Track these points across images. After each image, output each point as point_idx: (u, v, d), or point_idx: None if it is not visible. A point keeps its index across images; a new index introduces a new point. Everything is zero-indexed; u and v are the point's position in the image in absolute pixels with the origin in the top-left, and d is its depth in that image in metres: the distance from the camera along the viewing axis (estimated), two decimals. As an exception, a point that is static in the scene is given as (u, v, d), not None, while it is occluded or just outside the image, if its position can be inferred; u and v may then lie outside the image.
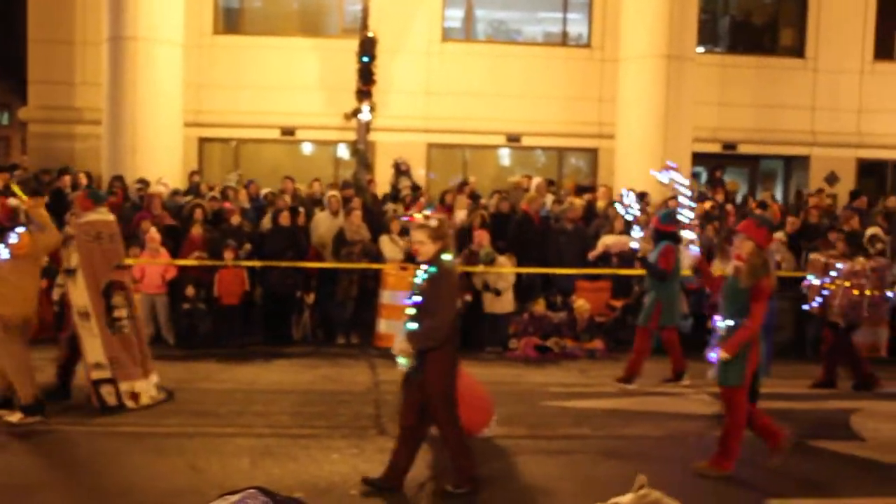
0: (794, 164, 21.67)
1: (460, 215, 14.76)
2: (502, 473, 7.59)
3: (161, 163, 17.17)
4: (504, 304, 13.23)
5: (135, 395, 9.42)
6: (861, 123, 21.03)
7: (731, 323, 7.49)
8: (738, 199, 18.90)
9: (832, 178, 20.63)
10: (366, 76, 17.44)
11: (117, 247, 9.86)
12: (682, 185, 9.82)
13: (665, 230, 10.94)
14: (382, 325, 12.94)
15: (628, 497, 1.99)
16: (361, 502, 6.83)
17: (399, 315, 12.81)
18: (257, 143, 20.11)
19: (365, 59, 17.43)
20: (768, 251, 7.71)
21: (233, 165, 19.80)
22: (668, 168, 9.95)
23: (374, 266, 13.26)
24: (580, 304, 13.36)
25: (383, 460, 7.79)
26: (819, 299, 11.21)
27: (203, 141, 19.73)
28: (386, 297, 12.95)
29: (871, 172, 21.60)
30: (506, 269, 13.25)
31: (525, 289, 13.82)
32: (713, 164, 19.66)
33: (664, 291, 11.00)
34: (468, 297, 13.08)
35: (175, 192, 15.94)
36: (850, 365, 11.33)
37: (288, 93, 19.17)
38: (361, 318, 13.47)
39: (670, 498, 1.95)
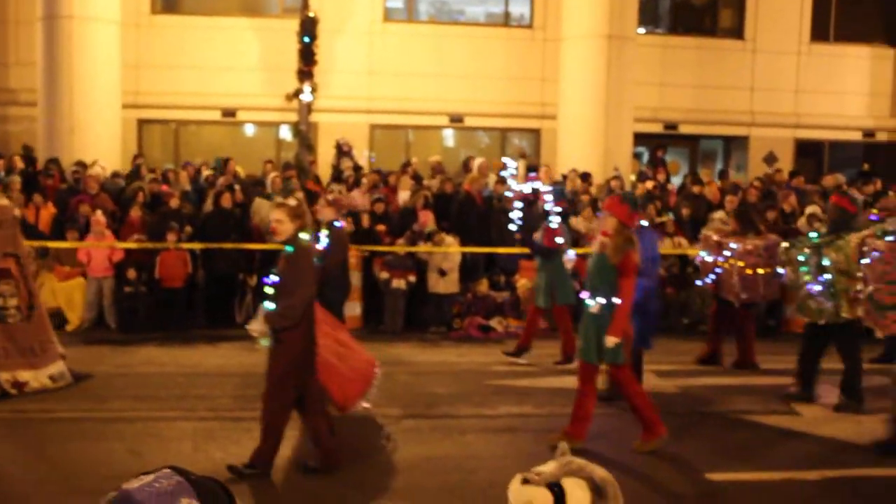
0: (734, 144, 21.96)
1: (403, 196, 14.75)
2: (447, 452, 7.62)
3: (99, 145, 16.88)
4: (448, 284, 13.26)
5: (18, 384, 9.20)
6: (798, 104, 21.36)
7: (602, 300, 7.55)
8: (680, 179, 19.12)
9: (770, 158, 20.93)
10: (307, 57, 17.26)
11: (8, 233, 9.61)
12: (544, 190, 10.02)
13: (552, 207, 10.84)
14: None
15: (551, 465, 2.00)
16: (305, 483, 6.82)
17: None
18: (198, 124, 19.86)
19: (306, 39, 17.26)
20: (633, 228, 7.75)
21: (172, 147, 19.55)
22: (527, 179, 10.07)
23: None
24: (523, 283, 13.43)
25: (326, 441, 7.81)
26: (712, 276, 11.06)
27: (142, 122, 19.43)
28: (329, 278, 12.89)
29: (808, 152, 21.97)
30: (451, 249, 13.26)
31: (468, 269, 13.86)
32: (654, 144, 19.84)
33: (554, 269, 10.95)
34: (412, 278, 13.09)
35: (115, 175, 15.71)
36: (739, 342, 11.22)
37: (228, 74, 18.94)
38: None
39: (594, 465, 1.97)
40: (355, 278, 12.83)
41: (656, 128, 20.49)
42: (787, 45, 21.17)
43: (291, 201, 6.99)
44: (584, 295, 7.78)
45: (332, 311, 8.84)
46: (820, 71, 21.26)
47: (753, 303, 11.13)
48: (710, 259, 11.07)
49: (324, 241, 9.60)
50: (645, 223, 9.40)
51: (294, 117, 17.80)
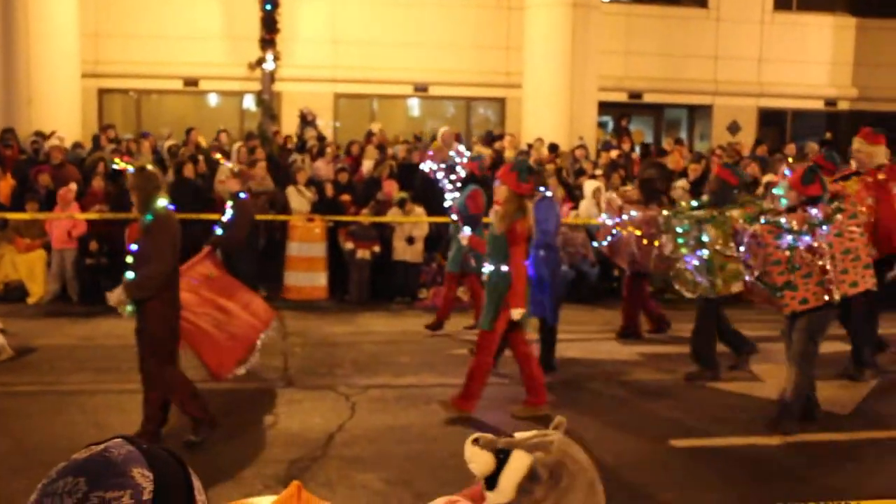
0: (698, 113, 22.04)
1: (367, 165, 14.67)
2: (412, 421, 7.63)
3: (58, 115, 16.63)
4: (414, 253, 13.22)
5: None
6: (762, 73, 21.46)
7: (492, 268, 7.60)
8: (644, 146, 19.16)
9: (734, 127, 21.04)
10: (269, 24, 17.11)
11: None
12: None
13: (477, 175, 10.72)
14: (290, 278, 12.82)
15: (526, 434, 1.98)
16: (268, 453, 6.79)
17: (307, 266, 12.81)
18: (160, 94, 19.62)
19: (268, 6, 17.10)
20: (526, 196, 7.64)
21: (134, 117, 19.30)
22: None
23: (281, 217, 13.11)
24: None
25: (291, 412, 7.82)
26: (609, 239, 10.85)
27: (103, 92, 19.16)
28: (293, 248, 12.82)
29: (771, 121, 22.11)
30: (419, 219, 13.20)
31: (434, 239, 13.82)
32: (619, 113, 19.87)
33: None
34: (377, 248, 13.04)
35: (76, 146, 15.48)
36: (625, 310, 11.23)
37: (190, 42, 18.69)
38: (269, 271, 13.31)
39: (577, 450, 1.94)
40: (320, 249, 12.78)
41: (621, 97, 20.52)
42: (750, 14, 21.23)
43: (142, 169, 6.84)
44: (486, 265, 7.82)
45: (242, 282, 8.84)
46: (783, 40, 21.35)
47: (647, 272, 10.83)
48: (609, 223, 10.87)
49: (229, 212, 9.52)
50: (549, 193, 9.31)
51: (257, 87, 17.66)
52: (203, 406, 6.92)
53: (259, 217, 13.00)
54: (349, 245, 13.01)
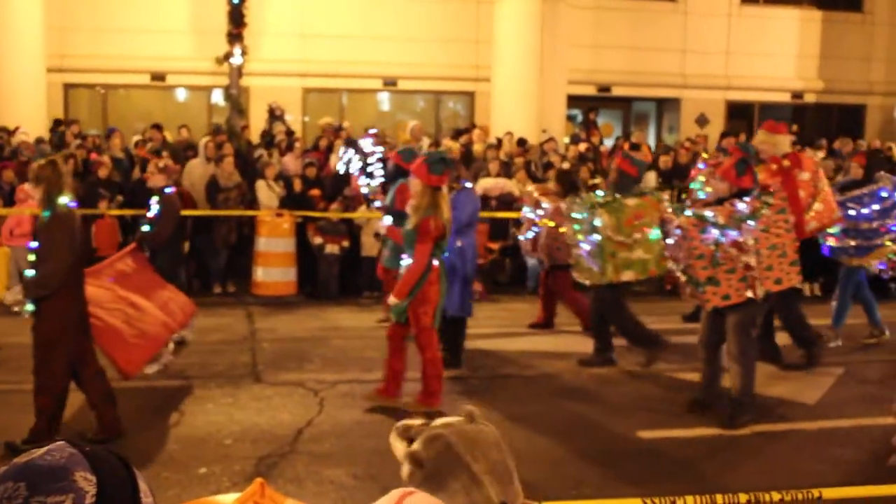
0: (666, 106, 22.16)
1: (335, 160, 14.61)
2: (380, 416, 7.62)
3: (23, 110, 16.46)
4: (383, 248, 13.19)
5: None
6: (729, 66, 21.60)
7: (405, 263, 7.58)
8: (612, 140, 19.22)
9: (702, 120, 21.16)
10: (237, 18, 16.98)
11: None
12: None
13: (404, 167, 10.61)
14: (259, 273, 12.75)
15: (455, 419, 1.99)
16: (234, 450, 6.76)
17: (275, 262, 12.75)
18: (126, 88, 19.46)
19: (235, 0, 16.98)
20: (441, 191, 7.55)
21: (101, 112, 19.12)
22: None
23: (249, 213, 13.03)
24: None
25: (259, 408, 7.79)
26: (531, 233, 10.77)
27: (68, 87, 18.97)
28: (262, 244, 12.74)
29: (739, 114, 22.26)
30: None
31: (403, 233, 13.80)
32: (587, 107, 19.92)
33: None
34: (346, 243, 13.00)
35: (40, 141, 15.31)
36: (545, 301, 11.19)
37: (157, 36, 18.52)
38: (237, 266, 13.25)
39: (459, 427, 1.95)
40: (289, 244, 12.72)
41: (590, 90, 20.58)
42: (717, 7, 21.37)
43: (39, 165, 6.70)
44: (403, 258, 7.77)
45: (167, 279, 8.76)
46: (750, 33, 21.50)
47: (567, 264, 10.47)
48: (531, 216, 10.78)
49: (154, 208, 9.44)
50: (469, 184, 9.27)
51: (225, 81, 17.53)
52: (52, 420, 6.72)
53: (228, 213, 12.94)
54: (318, 240, 12.95)
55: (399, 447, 1.99)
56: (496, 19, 18.55)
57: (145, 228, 9.45)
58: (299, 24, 19.17)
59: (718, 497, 3.94)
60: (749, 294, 7.34)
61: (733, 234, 7.25)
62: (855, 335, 10.35)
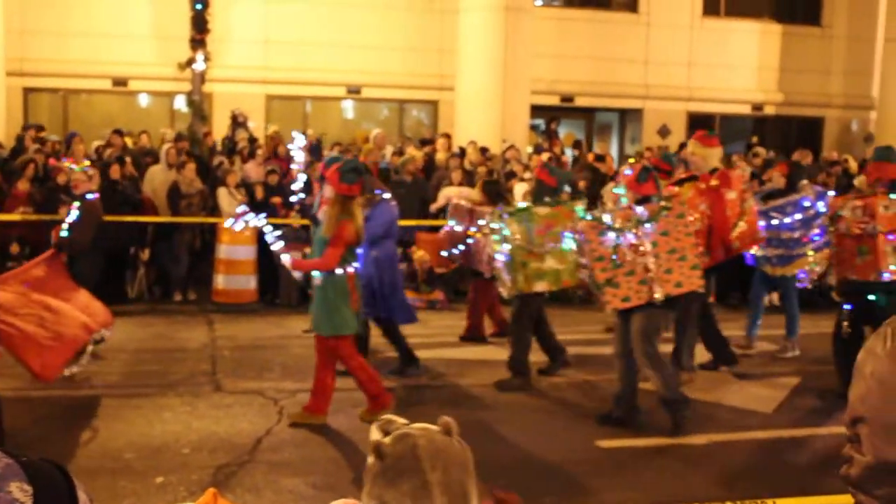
0: (629, 117, 22.31)
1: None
2: (339, 425, 7.60)
3: (-19, 114, 16.25)
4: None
5: None
6: (691, 78, 21.80)
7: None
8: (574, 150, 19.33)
9: (664, 131, 21.33)
10: (200, 24, 16.89)
11: None
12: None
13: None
14: (220, 281, 12.69)
15: (433, 427, 2.03)
16: (192, 459, 6.71)
17: (236, 269, 12.68)
18: (88, 93, 19.27)
19: (198, 6, 16.89)
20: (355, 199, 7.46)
21: (62, 118, 18.93)
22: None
23: (212, 220, 12.96)
24: (420, 255, 13.42)
25: (218, 417, 7.75)
26: (462, 247, 10.52)
27: (28, 91, 18.75)
28: (223, 251, 12.68)
29: (700, 125, 22.40)
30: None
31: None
32: (550, 117, 20.03)
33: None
34: (307, 251, 12.94)
35: (-2, 146, 15.13)
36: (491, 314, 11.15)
37: (119, 41, 18.36)
38: (198, 274, 13.17)
39: (420, 433, 1.99)
40: (250, 251, 12.65)
41: (553, 100, 20.67)
42: (679, 19, 21.56)
43: None
44: None
45: (84, 285, 8.69)
46: (711, 45, 21.72)
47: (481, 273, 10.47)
48: (459, 229, 10.56)
49: (74, 213, 9.35)
50: (387, 195, 9.27)
51: (188, 87, 17.43)
52: None
53: (190, 219, 12.86)
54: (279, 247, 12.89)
55: (373, 436, 2.01)
56: (460, 29, 18.59)
57: (63, 234, 9.33)
58: (263, 30, 19.10)
59: (672, 506, 3.97)
60: (648, 297, 7.32)
61: (630, 236, 7.29)
62: (811, 345, 10.46)
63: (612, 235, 7.35)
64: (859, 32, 22.76)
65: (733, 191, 8.96)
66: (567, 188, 13.66)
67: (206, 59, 17.21)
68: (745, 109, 22.64)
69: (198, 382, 8.81)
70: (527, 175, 14.44)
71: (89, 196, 9.47)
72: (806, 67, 22.43)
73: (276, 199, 13.26)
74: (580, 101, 21.22)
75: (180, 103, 18.79)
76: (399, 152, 15.55)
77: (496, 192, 10.27)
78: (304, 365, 9.58)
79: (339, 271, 7.35)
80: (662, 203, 7.45)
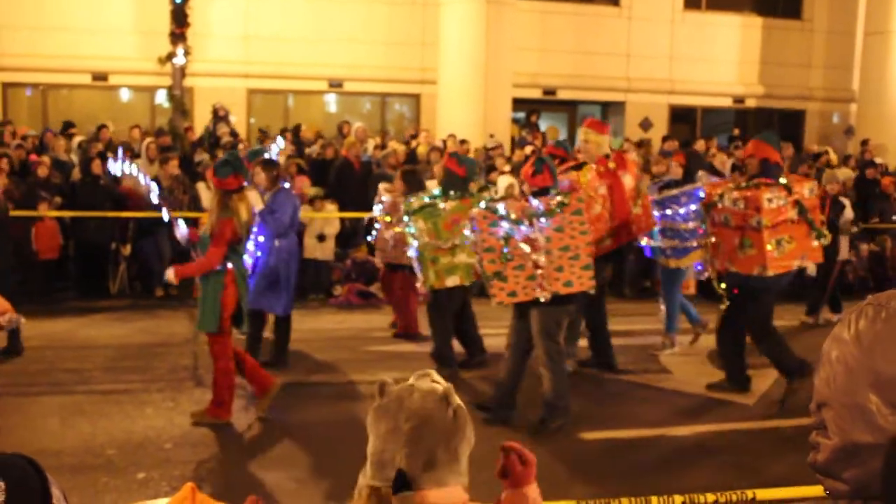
0: (611, 110, 22.33)
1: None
2: (323, 418, 7.59)
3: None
4: (325, 250, 13.13)
5: None
6: (672, 71, 21.85)
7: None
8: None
9: (646, 124, 21.38)
10: (179, 18, 16.81)
11: None
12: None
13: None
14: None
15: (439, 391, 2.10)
16: (174, 455, 6.69)
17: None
18: (68, 88, 19.14)
19: (178, 0, 16.80)
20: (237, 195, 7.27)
21: (41, 113, 18.79)
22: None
23: (192, 214, 12.88)
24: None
25: (195, 409, 7.69)
26: (374, 234, 10.59)
27: (7, 86, 18.61)
28: (203, 245, 12.61)
29: (682, 118, 22.54)
30: (330, 214, 13.10)
31: (347, 235, 13.77)
32: (530, 110, 20.04)
33: None
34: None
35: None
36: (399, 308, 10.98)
37: (99, 35, 18.22)
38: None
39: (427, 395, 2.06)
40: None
41: (535, 93, 20.68)
42: (661, 13, 21.60)
43: None
44: None
45: None
46: (693, 38, 21.78)
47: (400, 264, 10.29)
48: (388, 218, 10.38)
49: None
50: (287, 185, 9.18)
51: (169, 81, 17.35)
52: None
53: (173, 215, 12.77)
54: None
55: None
56: (441, 22, 18.56)
57: None
58: (243, 24, 19.00)
59: (654, 499, 3.98)
60: (537, 293, 7.19)
61: (524, 228, 7.15)
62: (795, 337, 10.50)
63: (505, 226, 7.16)
64: (839, 26, 22.90)
65: (629, 175, 8.86)
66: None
67: (187, 54, 17.14)
68: (727, 102, 22.71)
69: (179, 378, 8.77)
70: (507, 168, 14.44)
71: None
72: (787, 61, 22.52)
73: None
74: (562, 94, 21.24)
75: (161, 98, 18.70)
76: (381, 146, 15.53)
77: (416, 182, 9.90)
78: (288, 358, 9.57)
79: (219, 268, 7.22)
80: (559, 198, 7.25)
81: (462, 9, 18.07)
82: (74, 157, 14.47)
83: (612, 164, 8.79)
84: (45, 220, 12.43)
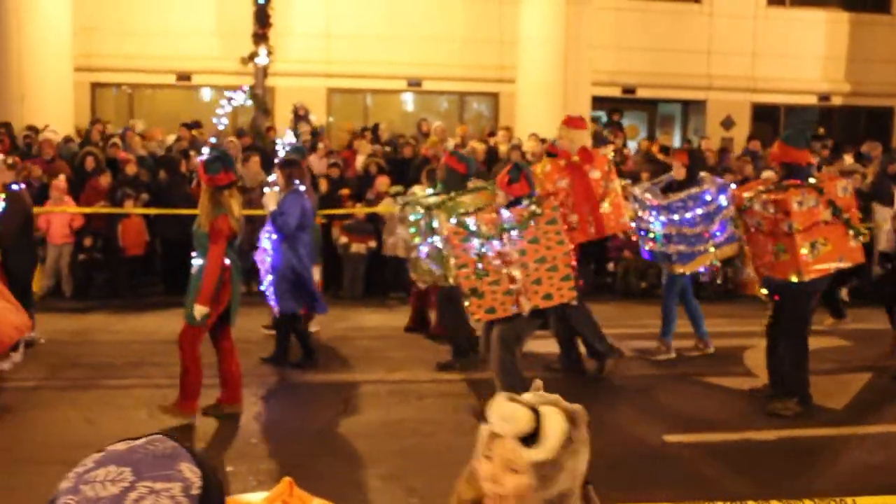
0: (692, 108, 22.04)
1: (361, 160, 14.67)
2: (404, 416, 7.61)
3: (51, 109, 16.54)
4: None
5: None
6: (755, 68, 21.46)
7: (198, 263, 7.30)
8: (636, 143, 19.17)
9: (728, 122, 21.05)
10: (262, 19, 17.06)
11: None
12: None
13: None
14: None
15: (529, 396, 2.05)
16: (260, 449, 6.78)
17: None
18: (153, 88, 19.56)
19: (261, 0, 17.05)
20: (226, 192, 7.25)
21: (127, 112, 19.23)
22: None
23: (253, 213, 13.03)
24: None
25: (285, 408, 7.81)
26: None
27: (95, 86, 19.09)
28: (287, 243, 12.76)
29: (764, 117, 22.12)
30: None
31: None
32: (610, 108, 19.88)
33: None
34: (372, 244, 13.01)
35: (67, 140, 15.43)
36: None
37: (183, 36, 18.60)
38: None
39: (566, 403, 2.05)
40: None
41: (614, 91, 20.50)
42: (743, 9, 21.23)
43: None
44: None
45: (13, 279, 8.61)
46: (776, 35, 21.35)
47: None
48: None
49: (0, 205, 9.34)
50: (302, 187, 9.13)
51: (250, 81, 17.60)
52: None
53: (253, 212, 12.96)
54: (343, 240, 12.98)
55: (527, 415, 2.07)
56: (520, 20, 18.52)
57: None
58: (324, 24, 19.19)
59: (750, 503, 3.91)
60: (515, 309, 7.01)
61: (496, 243, 6.95)
62: (883, 338, 10.24)
63: (476, 242, 6.98)
64: (930, 19, 22.25)
65: (597, 170, 8.57)
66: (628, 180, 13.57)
67: (269, 54, 17.36)
68: (812, 100, 22.21)
69: (265, 373, 8.89)
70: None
71: (14, 187, 9.42)
72: (875, 56, 21.92)
73: (345, 191, 13.32)
74: (642, 93, 21.02)
75: (242, 97, 18.97)
76: (461, 145, 15.55)
77: (433, 179, 9.78)
78: (367, 357, 9.67)
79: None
80: (532, 208, 7.03)
81: (541, 7, 18.02)
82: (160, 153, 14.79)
83: (575, 158, 8.55)
84: (131, 216, 12.71)
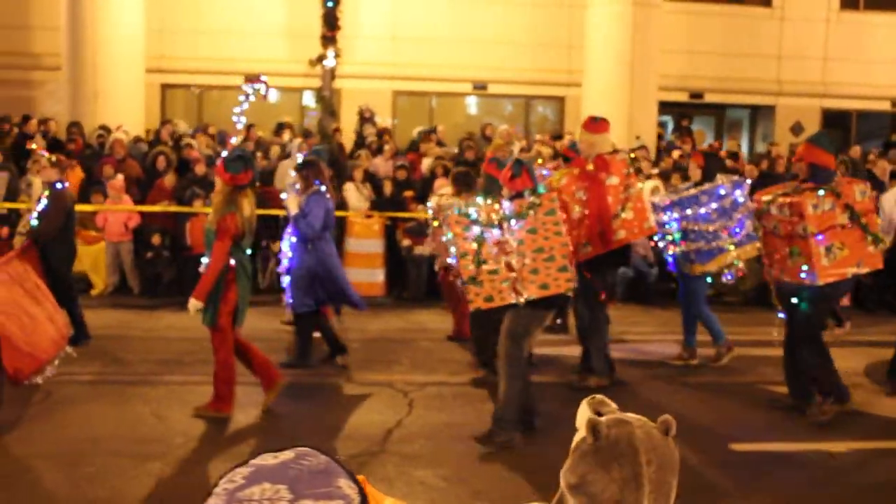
0: (760, 114, 21.74)
1: (427, 163, 14.70)
2: (469, 419, 7.61)
3: (123, 109, 16.89)
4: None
5: None
6: (826, 73, 21.10)
7: (206, 262, 7.28)
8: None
9: (798, 128, 20.72)
10: (330, 21, 17.21)
11: None
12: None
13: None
14: (348, 274, 12.79)
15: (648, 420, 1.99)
16: (323, 448, 6.81)
17: (364, 263, 12.84)
18: (221, 89, 19.83)
19: (329, 3, 17.20)
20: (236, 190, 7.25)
21: (196, 112, 19.54)
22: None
23: (339, 213, 13.14)
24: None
25: (349, 408, 7.87)
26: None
27: (166, 87, 19.43)
28: (351, 244, 12.87)
29: (835, 122, 21.71)
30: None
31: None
32: (678, 113, 19.69)
33: None
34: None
35: (137, 140, 15.72)
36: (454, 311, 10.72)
37: (252, 38, 18.87)
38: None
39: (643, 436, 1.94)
40: (378, 245, 12.80)
41: (682, 96, 20.32)
42: (815, 13, 20.88)
43: None
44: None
45: (55, 276, 8.72)
46: (848, 39, 20.96)
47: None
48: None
49: (43, 202, 9.40)
50: (323, 188, 9.04)
51: (317, 83, 17.77)
52: None
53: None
54: (406, 242, 13.03)
55: (584, 413, 1.95)
56: (588, 24, 18.44)
57: (34, 223, 9.46)
58: (391, 26, 19.31)
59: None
60: (512, 298, 6.98)
61: (496, 232, 6.95)
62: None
63: (476, 230, 7.00)
64: None
65: (615, 176, 8.32)
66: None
67: (337, 56, 17.50)
68: (884, 105, 21.76)
69: (328, 374, 8.95)
70: (653, 172, 14.22)
71: (58, 185, 9.55)
72: (951, 62, 21.43)
73: (409, 193, 13.37)
74: (710, 98, 20.79)
75: (308, 99, 19.16)
76: (526, 149, 15.51)
77: (469, 184, 9.60)
78: (430, 359, 9.69)
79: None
80: (531, 199, 7.01)
81: (608, 11, 17.92)
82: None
83: (590, 167, 8.35)
84: (199, 215, 12.89)
